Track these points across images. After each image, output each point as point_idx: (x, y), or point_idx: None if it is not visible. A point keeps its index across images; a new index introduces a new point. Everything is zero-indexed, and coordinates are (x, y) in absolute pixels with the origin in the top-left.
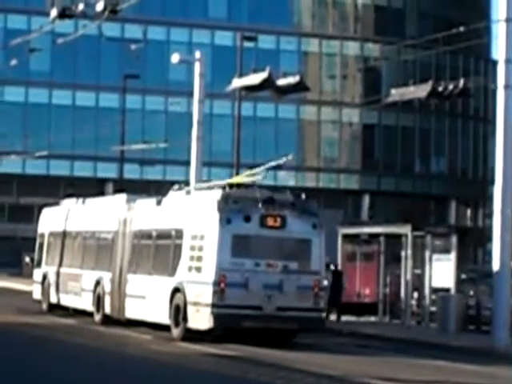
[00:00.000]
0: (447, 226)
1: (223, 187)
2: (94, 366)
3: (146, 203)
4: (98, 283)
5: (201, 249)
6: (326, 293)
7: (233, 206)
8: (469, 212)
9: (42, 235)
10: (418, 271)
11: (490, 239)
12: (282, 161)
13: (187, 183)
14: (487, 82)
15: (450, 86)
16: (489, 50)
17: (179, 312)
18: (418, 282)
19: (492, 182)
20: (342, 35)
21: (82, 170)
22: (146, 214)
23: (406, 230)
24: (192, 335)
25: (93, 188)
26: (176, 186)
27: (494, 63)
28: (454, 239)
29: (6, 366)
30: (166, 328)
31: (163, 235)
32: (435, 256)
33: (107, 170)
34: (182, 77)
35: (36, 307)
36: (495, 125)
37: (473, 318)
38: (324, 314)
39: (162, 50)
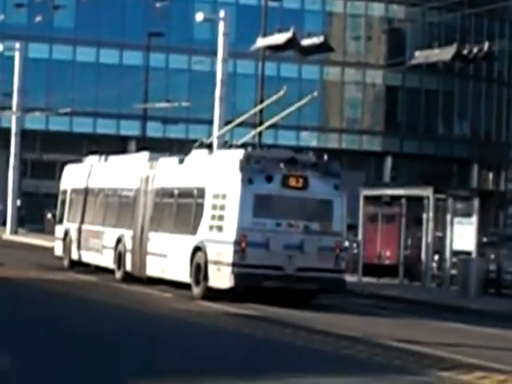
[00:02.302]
0: (469, 189)
1: (245, 147)
2: (114, 322)
3: (168, 162)
4: (119, 241)
5: (222, 208)
6: (347, 254)
7: (255, 165)
8: (491, 176)
9: (65, 192)
10: (439, 234)
11: (511, 203)
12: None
13: (207, 142)
14: None
15: (475, 49)
16: None
17: (200, 271)
18: (439, 245)
19: None
20: None
21: (105, 127)
22: (168, 173)
23: (427, 192)
24: (212, 294)
25: (115, 146)
26: (197, 143)
27: None
28: (475, 202)
29: (27, 320)
30: (186, 286)
31: (185, 194)
32: (456, 219)
33: (130, 128)
34: (206, 36)
35: (57, 263)
36: None
37: (493, 282)
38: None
39: (186, 9)
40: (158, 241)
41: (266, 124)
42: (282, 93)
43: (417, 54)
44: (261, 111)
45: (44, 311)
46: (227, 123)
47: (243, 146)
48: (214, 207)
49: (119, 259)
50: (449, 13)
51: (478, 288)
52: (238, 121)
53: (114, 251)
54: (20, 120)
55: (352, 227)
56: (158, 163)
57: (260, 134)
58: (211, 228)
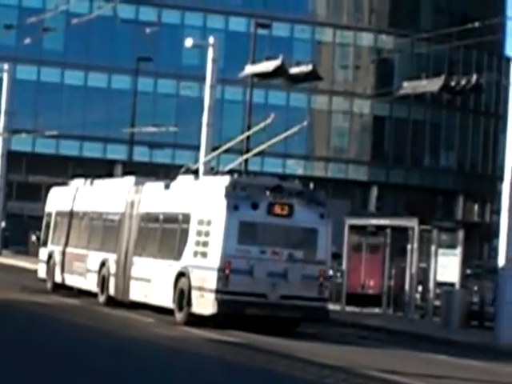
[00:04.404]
0: (454, 220)
1: (231, 174)
2: (95, 346)
3: (154, 186)
4: (103, 264)
5: (207, 234)
6: (331, 283)
7: (240, 192)
8: (476, 207)
9: (50, 214)
10: (423, 265)
11: (496, 235)
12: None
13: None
14: (499, 79)
15: (463, 81)
16: (502, 46)
17: (183, 296)
18: (422, 276)
19: (501, 178)
20: (357, 26)
21: (92, 150)
22: (154, 197)
23: (412, 223)
24: (195, 320)
25: (102, 169)
26: (183, 169)
27: (508, 60)
28: (460, 234)
29: (5, 342)
30: (169, 312)
31: (170, 219)
32: (441, 250)
33: (117, 152)
34: (195, 61)
35: (40, 286)
36: (506, 121)
37: (476, 314)
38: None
39: (175, 34)
40: (141, 265)
41: (253, 152)
42: (269, 120)
43: (405, 84)
44: (248, 138)
45: (24, 334)
46: (214, 149)
47: (229, 172)
48: (199, 233)
49: (103, 283)
50: (437, 44)
51: (461, 320)
52: (224, 147)
53: (97, 275)
54: (6, 141)
55: (336, 256)
56: (144, 188)
57: (246, 160)
58: (195, 254)
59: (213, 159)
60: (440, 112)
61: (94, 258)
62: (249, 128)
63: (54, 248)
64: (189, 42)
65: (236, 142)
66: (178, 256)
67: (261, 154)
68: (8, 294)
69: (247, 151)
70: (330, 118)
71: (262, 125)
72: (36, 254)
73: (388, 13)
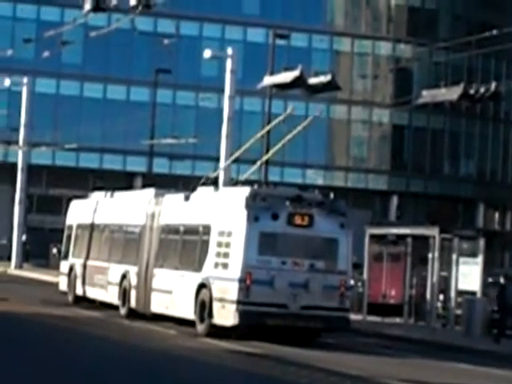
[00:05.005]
0: (475, 229)
1: (251, 185)
2: (118, 360)
3: (174, 198)
4: (124, 277)
5: (228, 245)
6: (352, 292)
7: (261, 203)
8: (497, 215)
9: (70, 227)
10: (444, 273)
11: None
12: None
13: (214, 178)
14: None
15: (482, 89)
16: None
17: (204, 308)
18: (444, 285)
19: None
20: (375, 35)
21: (112, 163)
22: (174, 209)
23: (433, 232)
24: (217, 331)
25: (121, 181)
26: (203, 179)
27: None
28: (481, 242)
29: (29, 356)
30: (190, 323)
31: (190, 231)
32: (462, 259)
33: (136, 164)
34: (214, 73)
35: (62, 299)
36: None
37: (497, 322)
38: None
39: (194, 46)
40: (162, 277)
41: (271, 151)
42: (289, 111)
43: (423, 93)
44: (267, 148)
45: (46, 348)
46: (233, 161)
47: (249, 183)
48: (220, 244)
49: (124, 295)
50: (456, 53)
51: (482, 328)
52: (241, 150)
53: (118, 287)
54: (26, 155)
55: (357, 266)
56: (164, 200)
57: (266, 171)
58: (216, 265)
59: (232, 170)
60: (459, 120)
61: (115, 271)
62: (268, 139)
63: (75, 261)
64: (207, 54)
65: (255, 139)
66: (198, 267)
67: (280, 164)
68: (29, 307)
69: (267, 161)
70: (349, 128)
71: (281, 117)
72: (57, 267)
73: (406, 22)
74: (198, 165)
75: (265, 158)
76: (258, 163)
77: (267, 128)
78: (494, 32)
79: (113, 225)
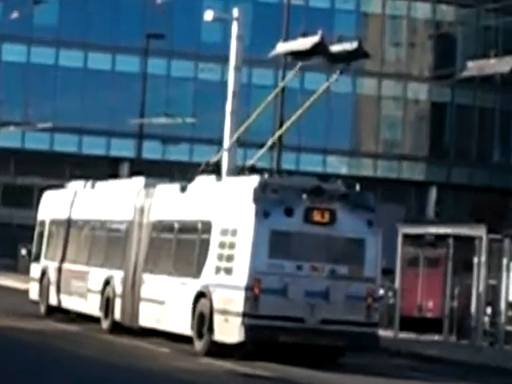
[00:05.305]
0: None
1: (261, 173)
2: (100, 383)
3: (167, 189)
4: (107, 283)
5: (232, 246)
6: (381, 304)
7: (272, 196)
8: None
9: (43, 223)
10: (492, 282)
11: None
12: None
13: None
14: None
15: None
16: None
17: (204, 321)
18: (492, 295)
19: None
20: None
21: (93, 146)
22: (168, 202)
23: (479, 231)
24: (218, 349)
25: (105, 169)
26: (202, 166)
27: None
28: None
29: None
30: (187, 340)
31: (187, 228)
32: None
33: (123, 148)
34: (216, 38)
35: (32, 309)
36: None
37: None
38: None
39: (192, 5)
40: (153, 284)
41: (283, 128)
42: (298, 67)
43: (469, 64)
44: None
45: (13, 368)
46: (240, 144)
47: (258, 171)
48: (222, 245)
49: (107, 306)
50: (507, 16)
51: None
52: (246, 123)
53: (100, 296)
54: None
55: (388, 272)
56: (156, 191)
57: (279, 157)
58: (218, 270)
59: (238, 156)
60: None
61: (97, 276)
62: (281, 117)
63: (48, 264)
64: (209, 15)
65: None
66: (196, 273)
67: (296, 149)
68: None
69: (280, 146)
70: (379, 106)
71: (291, 74)
72: (27, 271)
73: None
74: (196, 149)
75: (277, 134)
76: (268, 143)
77: (272, 95)
78: None
79: (94, 221)
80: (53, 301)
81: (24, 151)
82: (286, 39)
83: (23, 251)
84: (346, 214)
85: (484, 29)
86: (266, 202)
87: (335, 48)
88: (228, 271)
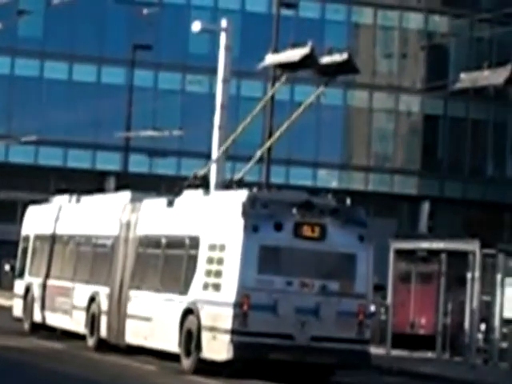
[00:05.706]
0: None
1: (250, 187)
2: None
3: (154, 203)
4: (92, 300)
5: (220, 262)
6: (373, 321)
7: (261, 210)
8: None
9: (27, 238)
10: (486, 298)
11: None
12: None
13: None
14: None
15: None
16: None
17: (191, 338)
18: (486, 312)
19: None
20: (402, 4)
21: (78, 160)
22: (155, 217)
23: (473, 246)
24: (206, 367)
25: (90, 183)
26: (190, 179)
27: None
28: None
29: None
30: (174, 358)
31: (175, 243)
32: (508, 279)
33: (109, 162)
34: (204, 50)
35: (16, 326)
36: None
37: None
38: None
39: (180, 16)
40: (140, 301)
41: (270, 140)
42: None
43: (462, 76)
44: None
45: None
46: (228, 158)
47: (247, 185)
48: (210, 261)
49: (92, 323)
50: (501, 26)
51: None
52: (235, 133)
53: (86, 313)
54: None
55: (379, 288)
56: (142, 205)
57: (268, 171)
58: (206, 286)
59: (226, 170)
60: (506, 110)
61: (82, 292)
62: (270, 131)
63: (32, 280)
64: (196, 26)
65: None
66: (184, 289)
67: (286, 163)
68: None
69: (268, 158)
70: (370, 118)
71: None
72: (10, 288)
73: None
74: (184, 163)
75: (265, 145)
76: (257, 155)
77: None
78: None
79: (79, 236)
80: (37, 318)
81: (8, 165)
82: (276, 50)
83: (7, 267)
84: (337, 229)
85: (477, 40)
86: (255, 216)
87: (325, 60)
88: (216, 287)
